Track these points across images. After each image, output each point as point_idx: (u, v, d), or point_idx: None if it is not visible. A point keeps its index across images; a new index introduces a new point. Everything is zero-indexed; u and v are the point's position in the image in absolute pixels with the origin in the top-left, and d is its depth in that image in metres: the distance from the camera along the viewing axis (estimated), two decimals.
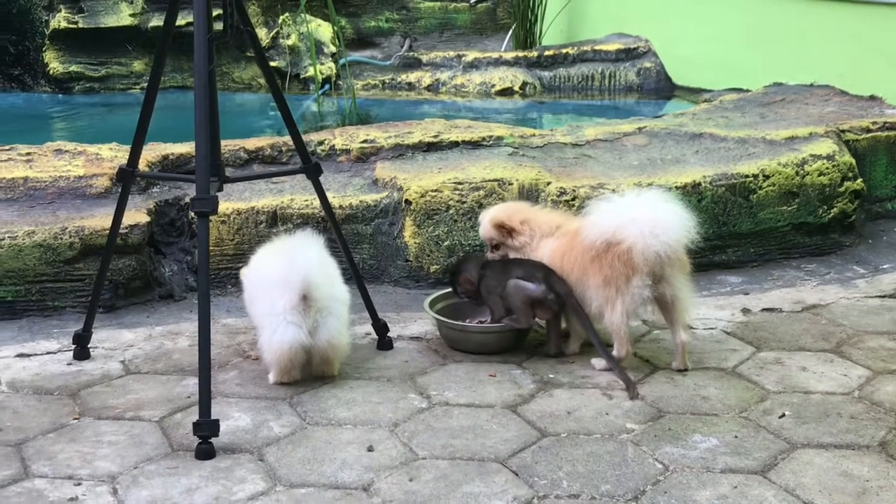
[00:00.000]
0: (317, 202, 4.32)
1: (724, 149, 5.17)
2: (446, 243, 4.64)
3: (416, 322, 4.26)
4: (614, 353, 3.73)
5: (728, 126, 5.49)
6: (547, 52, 8.33)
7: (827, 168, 4.98)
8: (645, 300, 3.69)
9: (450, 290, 4.13)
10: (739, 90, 6.62)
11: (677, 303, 3.73)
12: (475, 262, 4.03)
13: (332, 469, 3.14)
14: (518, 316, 3.85)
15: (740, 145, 5.19)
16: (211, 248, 4.07)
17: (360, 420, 3.45)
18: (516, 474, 3.10)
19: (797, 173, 4.93)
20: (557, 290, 3.79)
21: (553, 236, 3.92)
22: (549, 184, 4.72)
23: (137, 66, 8.27)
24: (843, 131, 5.29)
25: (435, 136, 5.22)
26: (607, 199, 3.78)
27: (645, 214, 3.64)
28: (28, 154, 4.94)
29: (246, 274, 3.84)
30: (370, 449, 3.25)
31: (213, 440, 3.23)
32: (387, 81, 8.37)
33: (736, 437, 3.30)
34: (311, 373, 3.69)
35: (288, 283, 3.54)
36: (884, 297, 4.46)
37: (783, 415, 3.44)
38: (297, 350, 3.58)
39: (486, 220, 4.03)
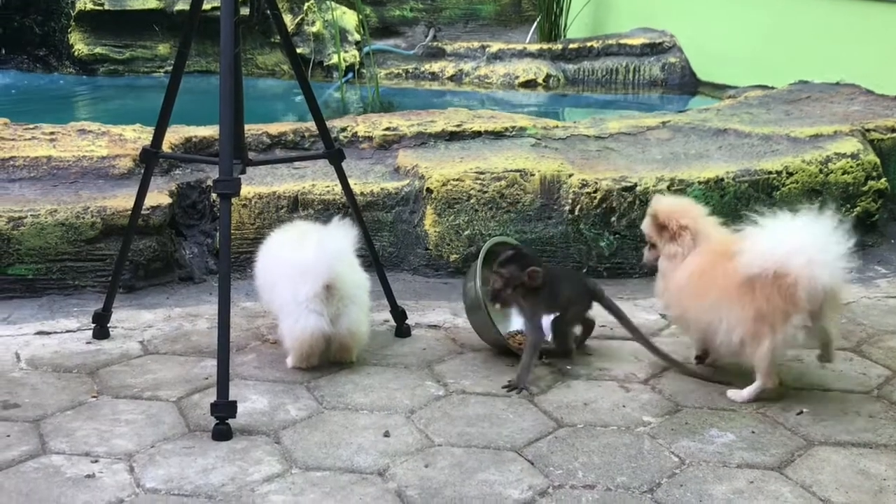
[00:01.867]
0: (338, 188, 4.33)
1: (748, 145, 5.15)
2: (466, 233, 4.64)
3: (434, 310, 4.26)
4: (759, 382, 3.42)
5: (752, 122, 5.47)
6: (571, 45, 8.30)
7: (851, 167, 4.95)
8: (798, 342, 3.34)
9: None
10: (764, 87, 6.58)
11: (830, 332, 3.41)
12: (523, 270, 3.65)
13: (348, 453, 3.14)
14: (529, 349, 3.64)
15: (764, 142, 5.17)
16: (232, 231, 4.08)
17: (377, 406, 3.45)
18: (532, 463, 3.10)
19: (821, 171, 4.90)
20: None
21: (696, 253, 3.53)
22: (571, 176, 4.71)
23: (162, 49, 8.28)
24: (867, 130, 5.26)
25: (458, 126, 5.21)
26: (770, 224, 3.34)
27: (813, 245, 3.23)
28: (52, 133, 4.96)
29: (261, 258, 3.84)
30: (386, 434, 3.26)
31: (230, 421, 3.23)
32: (410, 71, 8.36)
33: (753, 432, 3.29)
34: (329, 359, 3.70)
35: (313, 272, 3.53)
36: None
37: (801, 412, 3.42)
38: (319, 338, 3.59)
39: (648, 211, 3.67)
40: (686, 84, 8.06)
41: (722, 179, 4.75)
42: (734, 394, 3.48)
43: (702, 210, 3.67)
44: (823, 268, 3.22)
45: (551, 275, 3.70)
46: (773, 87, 6.47)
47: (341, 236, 3.62)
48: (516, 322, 3.94)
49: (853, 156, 4.99)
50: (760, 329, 3.32)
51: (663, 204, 3.67)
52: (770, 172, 4.83)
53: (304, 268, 3.57)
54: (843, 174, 4.93)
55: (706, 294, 3.43)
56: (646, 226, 3.68)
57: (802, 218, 3.32)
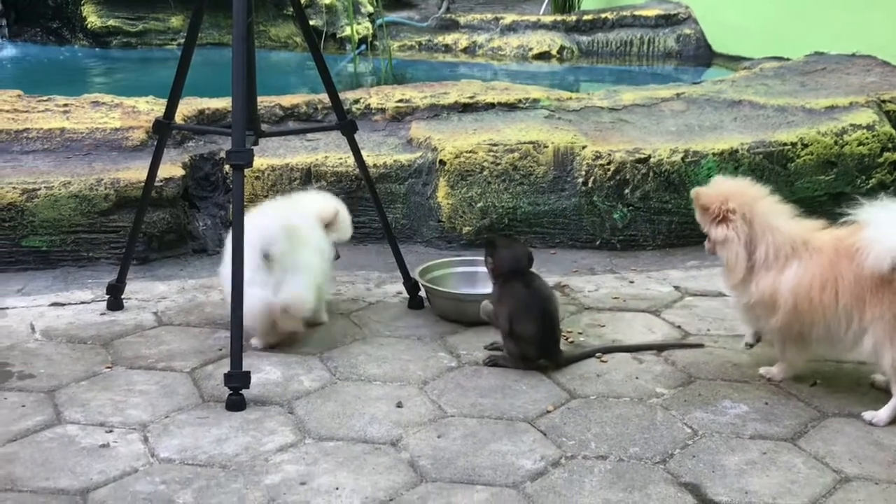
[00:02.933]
0: (351, 160, 4.32)
1: (763, 116, 5.12)
2: (479, 205, 4.63)
3: None
4: None
5: (767, 94, 5.43)
6: (586, 17, 8.26)
7: (866, 138, 4.92)
8: None
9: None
10: (780, 58, 6.55)
11: None
12: (510, 259, 3.60)
13: (361, 423, 3.15)
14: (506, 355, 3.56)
15: (779, 113, 5.13)
16: (245, 203, 4.08)
17: (390, 377, 3.46)
18: (544, 434, 3.10)
19: (836, 143, 4.87)
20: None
21: (798, 258, 3.22)
22: (584, 147, 4.69)
23: (175, 21, 8.27)
24: (883, 101, 5.23)
25: (471, 98, 5.20)
26: (885, 209, 3.07)
27: None
28: (65, 105, 4.96)
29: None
30: (399, 405, 3.26)
31: (244, 392, 3.24)
32: (423, 43, 8.33)
33: (766, 403, 3.29)
34: (277, 331, 3.62)
35: (249, 245, 3.45)
36: None
37: (814, 383, 3.42)
38: (265, 309, 3.53)
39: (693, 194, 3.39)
40: (701, 55, 8.01)
41: (736, 151, 4.73)
42: (871, 416, 3.18)
43: (759, 192, 3.37)
44: None
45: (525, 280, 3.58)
46: (788, 59, 6.44)
47: (282, 208, 3.66)
48: None
49: (869, 127, 4.96)
50: None
51: (707, 187, 3.42)
52: (785, 144, 4.80)
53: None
54: (858, 146, 4.90)
55: (834, 303, 3.14)
56: (697, 212, 3.39)
57: None
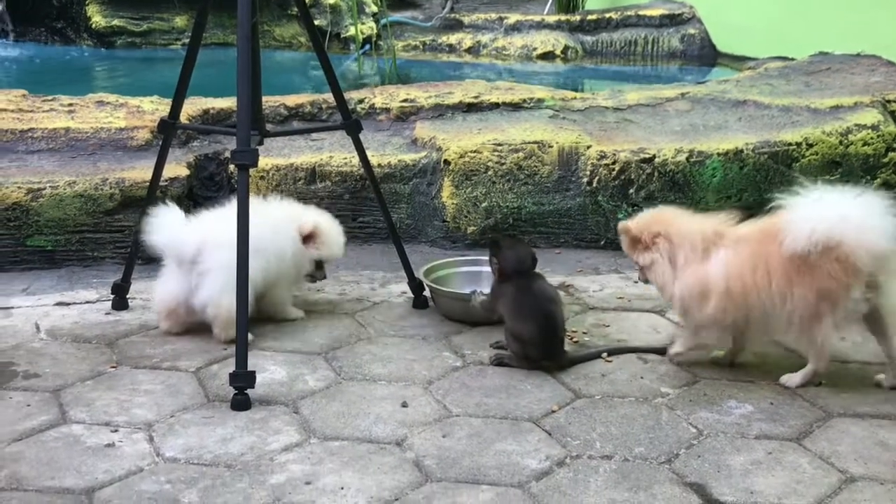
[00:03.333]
0: (355, 160, 4.33)
1: (768, 116, 5.11)
2: (484, 204, 4.63)
3: None
4: (811, 366, 3.34)
5: (772, 94, 5.43)
6: (590, 17, 8.26)
7: (871, 138, 4.92)
8: (860, 313, 3.24)
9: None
10: (784, 58, 6.54)
11: (891, 310, 3.27)
12: (513, 259, 3.60)
13: (366, 423, 3.15)
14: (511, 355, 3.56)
15: (784, 113, 5.13)
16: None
17: (395, 376, 3.46)
18: (549, 434, 3.10)
19: (841, 143, 4.87)
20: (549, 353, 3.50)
21: (720, 246, 3.36)
22: (589, 147, 4.69)
23: (179, 21, 8.27)
24: (888, 101, 5.22)
25: (475, 97, 5.20)
26: (806, 197, 3.23)
27: (858, 211, 3.16)
28: (70, 105, 4.97)
29: None
30: (404, 405, 3.26)
31: (249, 392, 3.25)
32: (427, 43, 8.33)
33: (772, 403, 3.29)
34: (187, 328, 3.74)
35: (181, 244, 3.63)
36: None
37: (820, 383, 3.41)
38: (173, 302, 3.67)
39: (620, 235, 3.56)
40: (705, 55, 8.00)
41: (741, 151, 4.72)
42: (787, 378, 3.39)
43: (678, 213, 3.56)
44: (876, 231, 3.13)
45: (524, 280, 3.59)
46: (792, 59, 6.43)
47: (221, 212, 3.68)
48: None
49: (874, 127, 4.95)
50: (823, 307, 3.21)
51: (632, 220, 3.56)
52: (790, 144, 4.80)
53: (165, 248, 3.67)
54: (863, 145, 4.90)
55: (766, 287, 3.26)
56: (624, 248, 3.56)
57: (838, 190, 3.26)
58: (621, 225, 3.55)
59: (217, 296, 3.58)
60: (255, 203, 3.72)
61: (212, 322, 3.65)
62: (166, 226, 3.62)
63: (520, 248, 3.68)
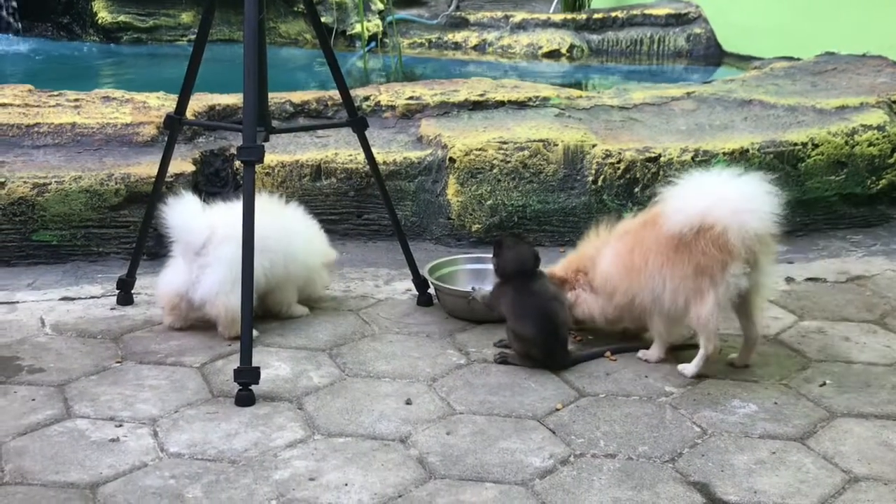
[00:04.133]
0: (361, 157, 4.33)
1: (774, 116, 5.11)
2: (489, 202, 4.63)
3: None
4: (702, 350, 3.40)
5: (778, 94, 5.43)
6: (596, 15, 8.25)
7: (877, 139, 4.91)
8: (740, 290, 3.31)
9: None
10: (790, 58, 6.53)
11: (760, 291, 3.40)
12: (515, 259, 3.61)
13: (370, 420, 3.15)
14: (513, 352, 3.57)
15: (790, 113, 5.13)
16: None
17: (399, 373, 3.46)
18: (553, 432, 3.10)
19: (846, 143, 4.87)
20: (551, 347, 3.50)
21: (608, 244, 3.58)
22: (594, 146, 4.69)
23: (185, 17, 8.27)
24: (894, 102, 5.22)
25: (481, 95, 5.20)
26: (685, 182, 3.38)
27: (734, 192, 3.29)
28: (76, 100, 4.97)
29: None
30: (408, 402, 3.27)
31: (253, 387, 3.25)
32: (433, 40, 8.33)
33: (776, 403, 3.29)
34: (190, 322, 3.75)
35: (185, 236, 3.64)
36: None
37: (824, 383, 3.41)
38: (174, 295, 3.67)
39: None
40: (711, 55, 8.00)
41: (747, 150, 4.72)
42: (683, 368, 3.45)
43: (596, 243, 3.70)
44: (748, 213, 3.24)
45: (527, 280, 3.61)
46: (798, 59, 6.42)
47: (233, 206, 3.64)
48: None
49: (879, 128, 4.95)
50: (701, 285, 3.29)
51: (557, 265, 3.78)
52: (795, 144, 4.80)
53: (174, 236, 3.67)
54: (868, 146, 4.89)
55: (644, 267, 3.41)
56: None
57: (717, 173, 3.42)
58: (548, 271, 3.71)
59: (215, 292, 3.58)
60: (271, 203, 3.80)
61: (214, 319, 3.65)
62: (180, 212, 3.61)
63: (521, 247, 3.67)
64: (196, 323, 3.74)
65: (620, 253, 3.51)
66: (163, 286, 3.73)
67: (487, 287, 3.75)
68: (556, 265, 3.79)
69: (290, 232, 3.80)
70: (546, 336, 3.47)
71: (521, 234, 4.49)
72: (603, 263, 3.58)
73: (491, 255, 3.71)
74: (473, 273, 4.10)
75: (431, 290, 4.02)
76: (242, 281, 3.32)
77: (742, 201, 3.27)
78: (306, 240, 3.88)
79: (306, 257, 3.86)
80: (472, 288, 3.81)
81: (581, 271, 3.68)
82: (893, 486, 2.85)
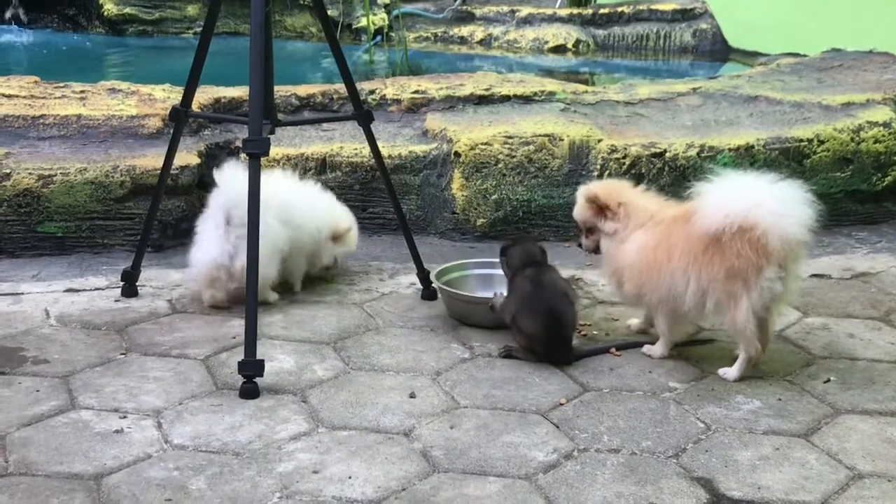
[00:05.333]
0: (366, 150, 4.33)
1: (780, 112, 5.10)
2: (494, 197, 4.63)
3: None
4: (743, 354, 3.35)
5: (784, 90, 5.42)
6: (602, 10, 8.24)
7: (883, 135, 4.91)
8: (776, 294, 3.26)
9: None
10: (796, 55, 6.52)
11: (785, 297, 3.34)
12: (521, 253, 3.63)
13: (374, 413, 3.15)
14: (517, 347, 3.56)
15: (796, 109, 5.12)
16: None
17: (403, 367, 3.46)
18: (557, 427, 3.10)
19: (852, 139, 4.86)
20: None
21: (643, 227, 3.48)
22: (600, 141, 4.68)
23: (191, 10, 8.27)
24: None
25: (486, 90, 5.19)
26: (722, 181, 3.31)
27: (776, 195, 3.23)
28: (82, 92, 4.97)
29: None
30: (412, 395, 3.27)
31: (258, 380, 3.25)
32: (439, 35, 8.32)
33: (780, 399, 3.28)
34: (233, 299, 3.82)
35: (215, 205, 3.77)
36: None
37: (828, 380, 3.41)
38: (213, 267, 3.74)
39: (581, 196, 3.60)
40: (717, 51, 7.99)
41: (752, 146, 4.72)
42: (724, 372, 3.41)
43: (629, 185, 3.68)
44: (790, 218, 3.20)
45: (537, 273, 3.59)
46: (805, 55, 6.41)
47: (273, 176, 3.92)
48: None
49: (885, 124, 4.94)
50: (734, 288, 3.25)
51: (596, 185, 3.69)
52: (801, 140, 4.79)
53: (213, 204, 3.79)
54: (874, 143, 4.88)
55: (666, 265, 3.35)
56: (580, 213, 3.61)
57: (754, 175, 3.37)
58: (588, 192, 3.58)
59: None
60: (296, 181, 4.01)
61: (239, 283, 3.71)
62: (229, 180, 3.69)
63: (526, 242, 3.71)
64: (236, 295, 3.77)
65: (646, 247, 3.43)
66: (200, 260, 3.77)
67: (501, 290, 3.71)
68: (590, 186, 3.66)
69: (313, 209, 3.99)
70: (551, 336, 3.46)
71: (527, 232, 4.49)
72: (628, 249, 3.48)
73: (499, 259, 3.71)
74: (481, 278, 4.01)
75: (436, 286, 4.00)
76: (248, 269, 3.31)
77: (784, 206, 3.22)
78: (325, 210, 4.02)
79: (316, 228, 4.00)
80: (495, 294, 3.72)
81: (622, 205, 3.52)
82: None
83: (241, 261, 3.58)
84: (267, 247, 3.58)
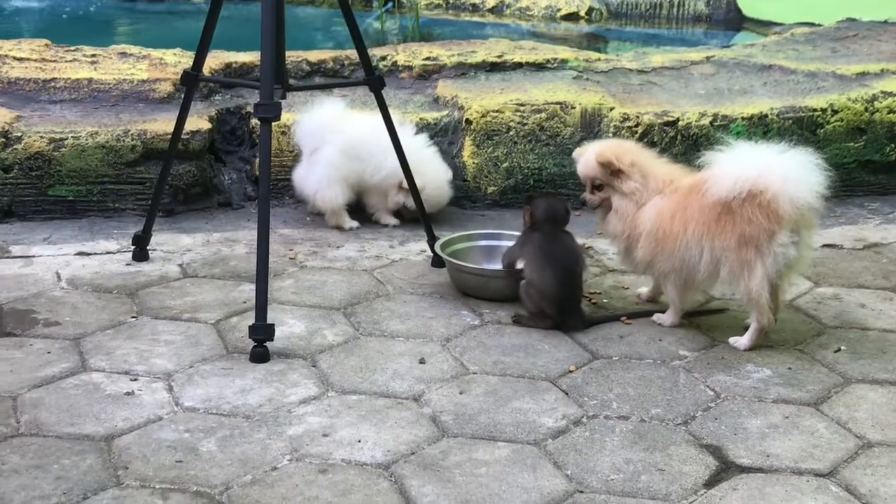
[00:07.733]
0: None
1: (794, 81, 5.07)
2: (505, 165, 4.62)
3: None
4: (755, 324, 3.35)
5: (798, 59, 5.38)
6: None
7: None
8: (789, 260, 3.25)
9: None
10: (811, 24, 6.47)
11: (797, 265, 3.33)
12: (547, 207, 3.61)
13: (383, 378, 3.16)
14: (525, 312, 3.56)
15: (810, 79, 5.09)
16: (271, 158, 4.08)
17: (413, 333, 3.47)
18: (566, 393, 3.11)
19: (866, 109, 4.83)
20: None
21: (661, 194, 3.44)
22: (612, 109, 4.66)
23: None
24: None
25: (499, 56, 5.17)
26: (733, 149, 3.32)
27: (785, 161, 3.22)
28: (93, 56, 4.96)
29: None
30: (422, 361, 3.27)
31: (268, 344, 3.26)
32: (450, 1, 8.28)
33: (790, 368, 3.28)
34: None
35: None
36: None
37: (839, 349, 3.41)
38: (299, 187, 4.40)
39: (590, 156, 3.52)
40: (731, 20, 7.93)
41: (766, 116, 4.69)
42: (736, 341, 3.40)
43: (639, 147, 3.67)
44: (800, 182, 3.19)
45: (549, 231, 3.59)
46: (819, 24, 6.37)
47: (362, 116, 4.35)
48: None
49: None
50: (747, 255, 3.23)
51: (605, 145, 3.64)
52: (815, 110, 4.76)
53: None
54: (888, 113, 4.85)
55: (683, 233, 3.33)
56: (587, 169, 3.54)
57: (765, 145, 3.37)
58: (597, 152, 3.51)
59: (314, 188, 4.28)
60: (377, 120, 3.97)
61: (321, 210, 4.35)
62: (306, 114, 4.32)
63: (553, 200, 3.71)
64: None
65: (663, 214, 3.40)
66: (296, 180, 4.40)
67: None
68: (598, 146, 3.60)
69: (377, 148, 4.18)
70: (563, 295, 3.46)
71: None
72: (646, 215, 3.45)
73: (505, 231, 3.70)
74: (487, 249, 3.96)
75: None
76: (259, 235, 3.30)
77: (794, 170, 3.20)
78: (394, 160, 4.04)
79: (376, 169, 4.30)
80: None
81: (634, 165, 3.48)
82: None
83: (309, 187, 4.30)
84: (325, 175, 4.22)
